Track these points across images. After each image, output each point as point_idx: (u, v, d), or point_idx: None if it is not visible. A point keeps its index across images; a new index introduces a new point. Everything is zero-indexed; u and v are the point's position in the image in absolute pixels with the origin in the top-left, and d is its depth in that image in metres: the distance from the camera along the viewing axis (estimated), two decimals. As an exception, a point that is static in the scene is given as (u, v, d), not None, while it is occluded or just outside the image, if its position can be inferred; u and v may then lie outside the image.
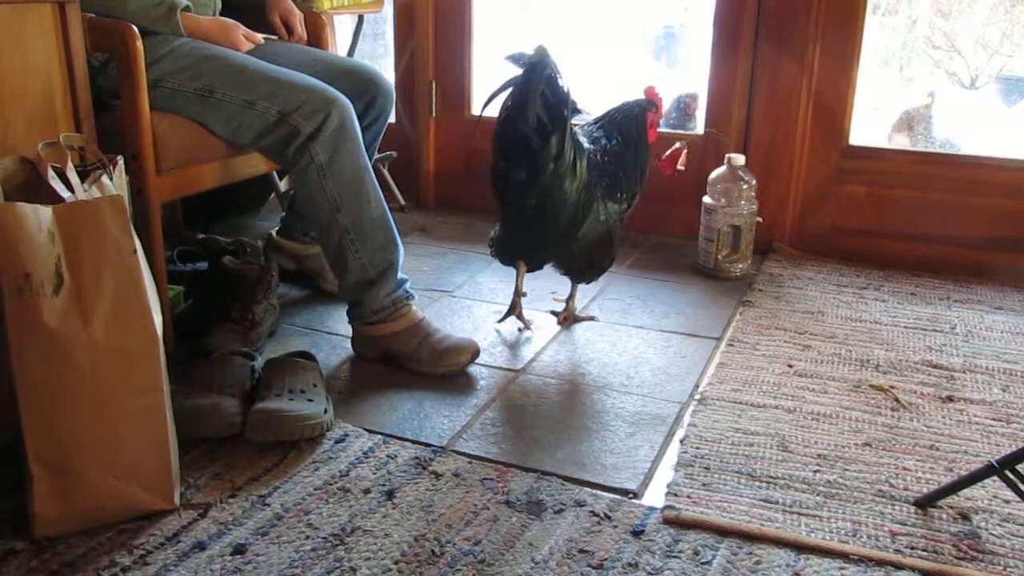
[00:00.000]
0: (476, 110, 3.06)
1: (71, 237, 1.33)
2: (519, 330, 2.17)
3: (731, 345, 2.09)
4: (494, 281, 2.48)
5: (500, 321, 2.18)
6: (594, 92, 3.41)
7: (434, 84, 3.08)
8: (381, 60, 3.40)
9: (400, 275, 1.97)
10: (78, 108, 1.64)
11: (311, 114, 1.86)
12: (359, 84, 2.11)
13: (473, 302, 2.35)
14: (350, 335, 2.01)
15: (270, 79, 1.89)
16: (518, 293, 2.15)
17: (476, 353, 1.95)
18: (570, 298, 2.23)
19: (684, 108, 3.19)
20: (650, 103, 2.14)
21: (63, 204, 1.35)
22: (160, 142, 1.83)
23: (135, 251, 1.36)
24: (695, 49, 3.32)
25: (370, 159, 2.17)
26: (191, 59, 1.89)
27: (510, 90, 1.88)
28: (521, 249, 2.08)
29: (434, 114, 3.10)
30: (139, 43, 1.76)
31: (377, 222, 1.93)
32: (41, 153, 1.43)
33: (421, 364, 1.92)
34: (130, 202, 1.48)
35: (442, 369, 1.91)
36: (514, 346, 2.10)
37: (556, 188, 1.91)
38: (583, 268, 2.13)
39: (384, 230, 1.94)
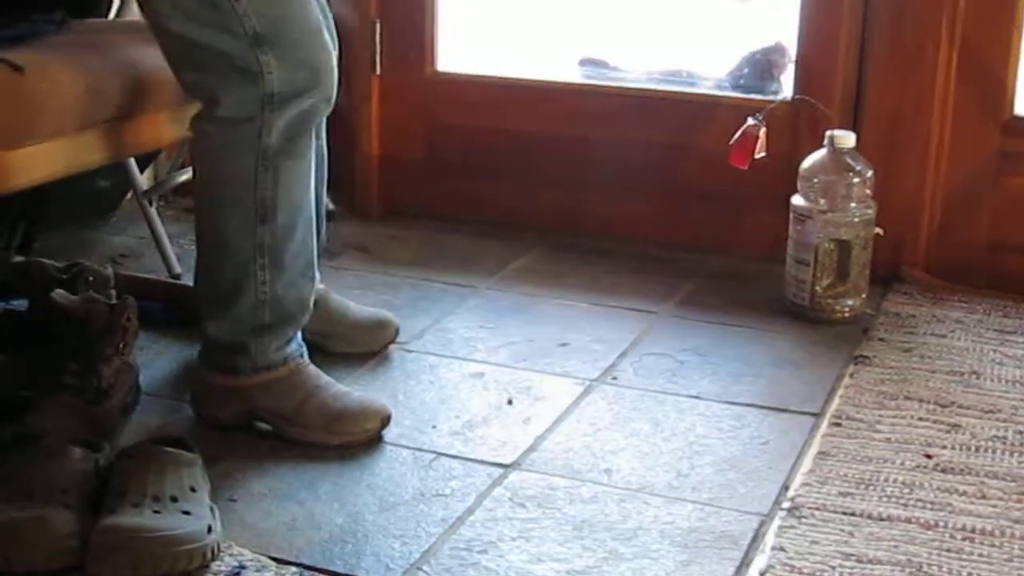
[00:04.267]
0: (443, 63, 3.07)
1: None
2: (508, 402, 2.18)
3: (837, 424, 2.09)
4: (470, 327, 2.49)
5: None
6: (641, 38, 3.42)
7: (379, 25, 3.09)
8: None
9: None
10: None
11: (296, 67, 1.85)
12: None
13: (439, 359, 2.35)
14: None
15: None
16: None
17: (387, 419, 2.03)
18: None
19: (764, 67, 3.19)
20: None
21: None
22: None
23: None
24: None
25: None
26: None
27: None
28: None
29: (378, 71, 3.11)
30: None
31: (303, 248, 1.97)
32: None
33: (308, 431, 1.99)
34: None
35: (339, 439, 1.99)
36: (501, 426, 2.09)
37: None
38: None
39: (306, 257, 1.99)
